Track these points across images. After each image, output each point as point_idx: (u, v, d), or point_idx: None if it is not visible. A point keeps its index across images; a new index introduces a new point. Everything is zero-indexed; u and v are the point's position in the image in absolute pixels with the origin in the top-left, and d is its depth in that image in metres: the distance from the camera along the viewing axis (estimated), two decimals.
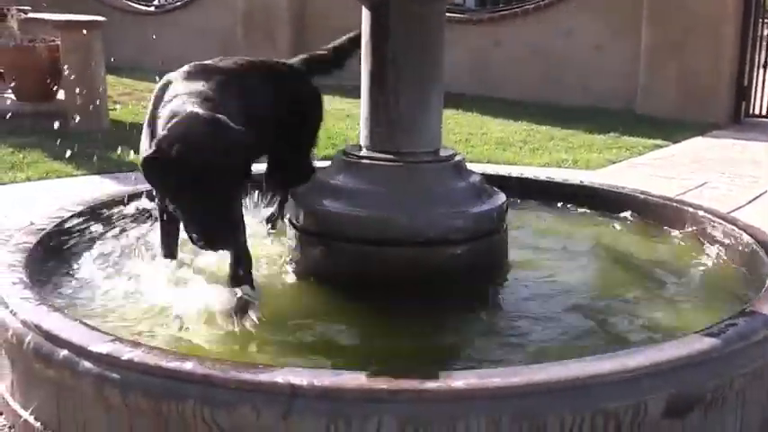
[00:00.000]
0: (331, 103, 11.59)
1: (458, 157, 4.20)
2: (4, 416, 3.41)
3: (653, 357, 2.84)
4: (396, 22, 4.02)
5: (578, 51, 12.41)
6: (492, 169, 6.27)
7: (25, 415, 3.21)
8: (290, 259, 4.15)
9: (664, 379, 2.79)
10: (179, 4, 15.94)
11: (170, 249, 4.10)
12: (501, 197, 4.20)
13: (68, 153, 7.39)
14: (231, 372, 2.73)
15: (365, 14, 4.12)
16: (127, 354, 2.85)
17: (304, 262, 4.08)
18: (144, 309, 3.72)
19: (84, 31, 9.77)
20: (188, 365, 2.77)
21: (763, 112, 11.79)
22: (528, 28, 12.85)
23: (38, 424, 3.16)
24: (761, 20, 11.82)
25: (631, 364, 2.79)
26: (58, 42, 10.03)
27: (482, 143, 9.75)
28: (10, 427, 3.35)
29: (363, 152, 4.13)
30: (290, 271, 4.12)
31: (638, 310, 3.85)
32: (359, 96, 4.17)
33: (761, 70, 11.77)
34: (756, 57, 11.77)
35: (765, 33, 11.97)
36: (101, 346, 2.92)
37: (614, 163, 8.96)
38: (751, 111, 11.87)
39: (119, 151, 8.28)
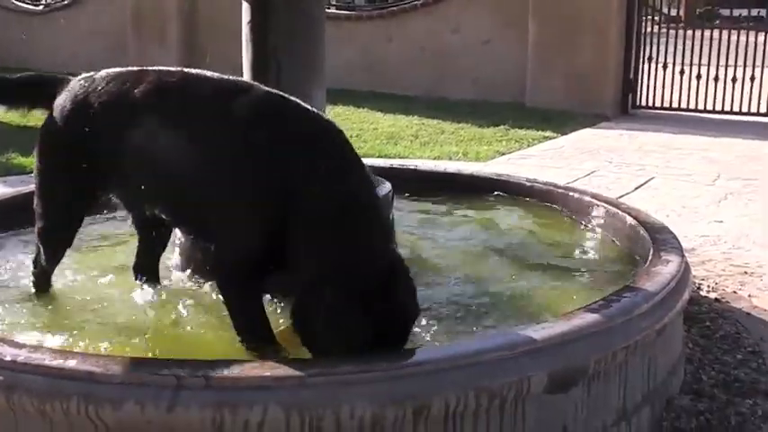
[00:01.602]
0: None
1: None
2: None
3: (535, 334, 2.89)
4: (277, 13, 4.02)
5: (467, 46, 12.53)
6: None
7: None
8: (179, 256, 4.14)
9: (545, 355, 2.83)
10: (66, 2, 15.64)
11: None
12: (386, 186, 4.21)
13: None
14: (115, 367, 2.70)
15: (245, 7, 4.10)
16: (10, 354, 2.80)
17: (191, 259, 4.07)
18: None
19: None
20: (71, 363, 2.72)
21: (650, 104, 12.05)
22: (418, 24, 12.93)
23: None
24: (644, 17, 12.06)
25: (514, 340, 2.84)
26: None
27: (373, 138, 9.79)
28: None
29: None
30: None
31: (526, 290, 3.93)
32: None
33: (646, 63, 12.01)
34: (642, 50, 12.01)
35: (649, 30, 12.20)
36: None
37: (504, 155, 9.08)
38: (638, 102, 12.12)
39: (8, 154, 8.15)
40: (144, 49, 14.39)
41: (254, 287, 3.15)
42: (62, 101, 3.56)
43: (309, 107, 3.27)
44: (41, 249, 3.78)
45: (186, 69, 3.54)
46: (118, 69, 3.57)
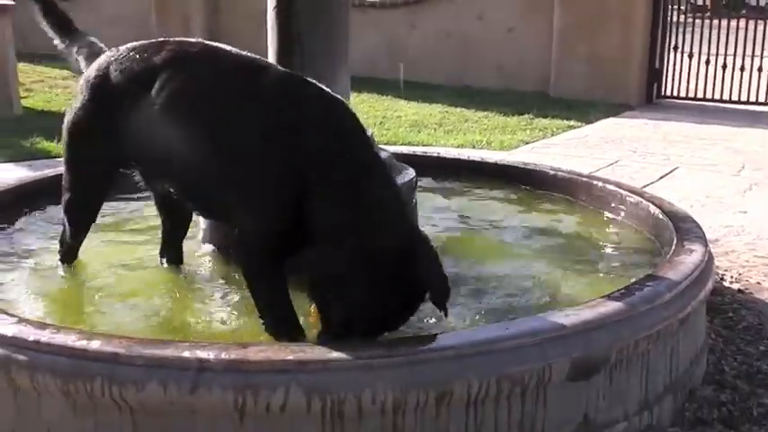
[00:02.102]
0: None
1: None
2: None
3: (557, 322, 2.89)
4: None
5: (492, 34, 12.50)
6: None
7: None
8: (203, 240, 4.17)
9: (568, 343, 2.83)
10: None
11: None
12: (410, 173, 4.22)
13: None
14: (138, 348, 2.71)
15: None
16: (34, 335, 2.82)
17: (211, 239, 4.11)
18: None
19: None
20: (95, 344, 2.74)
21: (675, 94, 11.98)
22: (443, 11, 12.89)
23: None
24: (670, 6, 11.99)
25: (536, 328, 2.84)
26: None
27: (397, 125, 9.78)
28: None
29: None
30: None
31: (550, 278, 3.93)
32: None
33: (672, 53, 11.95)
34: (667, 39, 11.95)
35: (675, 19, 12.13)
36: (7, 327, 2.88)
37: (528, 143, 9.06)
38: (663, 92, 12.06)
39: (32, 139, 8.19)
40: (167, 36, 14.40)
41: (278, 269, 3.12)
42: (89, 71, 3.63)
43: (324, 87, 3.27)
44: (66, 224, 3.82)
45: (207, 42, 3.57)
46: (142, 41, 3.61)
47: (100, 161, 3.62)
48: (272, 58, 4.11)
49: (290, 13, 4.02)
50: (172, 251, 3.97)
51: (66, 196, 3.75)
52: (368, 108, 10.38)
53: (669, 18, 11.99)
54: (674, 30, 12.01)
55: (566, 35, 11.88)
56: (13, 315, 3.05)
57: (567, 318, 2.92)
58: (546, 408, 2.81)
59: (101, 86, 3.54)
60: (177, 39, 3.61)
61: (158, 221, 3.97)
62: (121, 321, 3.42)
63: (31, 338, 2.81)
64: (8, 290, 3.75)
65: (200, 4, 14.36)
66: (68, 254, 3.92)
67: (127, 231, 4.46)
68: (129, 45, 3.60)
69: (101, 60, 3.61)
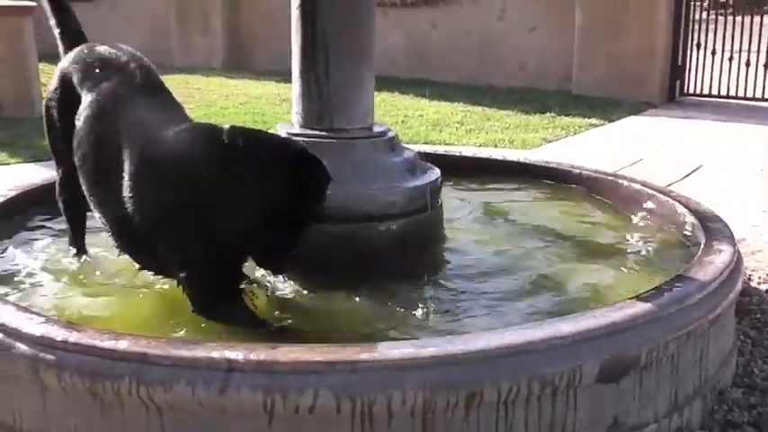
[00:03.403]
0: (266, 88, 11.71)
1: (390, 133, 4.20)
2: None
3: (588, 323, 2.87)
4: None
5: (513, 33, 12.48)
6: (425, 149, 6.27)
7: None
8: None
9: (597, 344, 2.81)
10: None
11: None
12: (435, 172, 4.20)
13: (1, 140, 7.30)
14: (166, 349, 2.71)
15: None
16: (62, 335, 2.82)
17: None
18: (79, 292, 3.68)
19: (15, 16, 9.64)
20: (123, 344, 2.74)
21: (698, 91, 11.93)
22: (464, 10, 12.88)
23: None
24: (693, 3, 11.94)
25: (565, 330, 2.81)
26: None
27: (418, 124, 9.77)
28: None
29: (296, 129, 4.11)
30: None
31: (577, 279, 3.90)
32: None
33: (695, 50, 11.89)
34: (690, 37, 11.89)
35: (698, 16, 12.07)
36: (35, 327, 2.88)
37: (550, 142, 9.04)
38: (686, 90, 12.00)
39: None
40: (187, 36, 14.46)
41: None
42: (62, 62, 3.87)
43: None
44: (61, 211, 4.01)
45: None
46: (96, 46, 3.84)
47: (66, 150, 3.76)
48: (295, 58, 4.10)
49: (314, 13, 4.00)
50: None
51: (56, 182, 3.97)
52: (389, 107, 10.37)
53: (692, 15, 11.94)
54: (696, 27, 11.96)
55: (588, 33, 11.85)
56: (40, 315, 3.05)
57: (597, 319, 2.90)
58: (576, 409, 2.79)
59: (63, 80, 3.79)
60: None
61: None
62: (147, 318, 3.42)
63: (59, 338, 2.81)
64: (37, 289, 3.76)
65: (220, 3, 14.36)
66: (74, 243, 4.03)
67: None
68: (91, 49, 3.82)
69: (70, 55, 3.83)
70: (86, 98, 3.60)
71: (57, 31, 4.06)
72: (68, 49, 3.94)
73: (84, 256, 4.02)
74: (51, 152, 3.98)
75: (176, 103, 3.68)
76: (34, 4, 9.92)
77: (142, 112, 3.46)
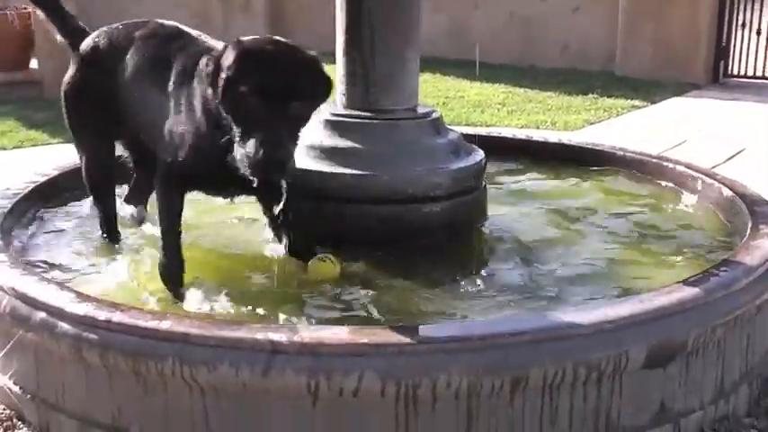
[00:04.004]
0: None
1: (435, 114, 4.17)
2: None
3: (634, 308, 2.84)
4: None
5: (556, 13, 12.36)
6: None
7: (3, 380, 3.19)
8: None
9: (644, 329, 2.79)
10: None
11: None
12: (479, 154, 4.17)
13: (44, 121, 7.33)
14: (210, 329, 2.71)
15: None
16: (105, 314, 2.83)
17: (287, 222, 4.02)
18: (121, 273, 3.68)
19: None
20: (166, 324, 2.75)
21: (742, 72, 11.77)
22: None
23: (16, 388, 3.14)
24: None
25: (613, 314, 2.79)
26: (30, 10, 9.90)
27: (460, 106, 9.72)
28: None
29: (340, 110, 4.09)
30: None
31: (623, 262, 3.87)
32: (335, 62, 4.12)
33: (740, 30, 11.74)
34: (735, 16, 11.74)
35: None
36: (78, 307, 2.90)
37: (593, 124, 8.96)
38: (729, 71, 11.85)
39: None
40: (229, 18, 14.45)
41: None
42: (83, 44, 4.00)
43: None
44: (89, 192, 4.09)
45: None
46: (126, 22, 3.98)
47: (95, 122, 3.95)
48: (339, 37, 4.07)
49: None
50: (135, 200, 4.27)
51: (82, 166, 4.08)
52: (431, 88, 10.32)
53: None
54: (741, 6, 11.79)
55: (631, 14, 11.71)
56: (84, 294, 3.06)
57: (643, 303, 2.88)
58: (622, 395, 2.77)
59: (89, 56, 3.95)
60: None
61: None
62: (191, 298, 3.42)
63: (102, 318, 2.82)
64: (83, 267, 3.79)
65: None
66: (108, 229, 4.07)
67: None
68: (115, 25, 3.98)
69: (92, 35, 3.99)
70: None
71: (59, 36, 4.16)
72: (74, 46, 4.06)
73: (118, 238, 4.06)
74: (75, 134, 4.07)
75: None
76: None
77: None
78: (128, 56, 3.79)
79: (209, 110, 3.29)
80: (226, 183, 3.40)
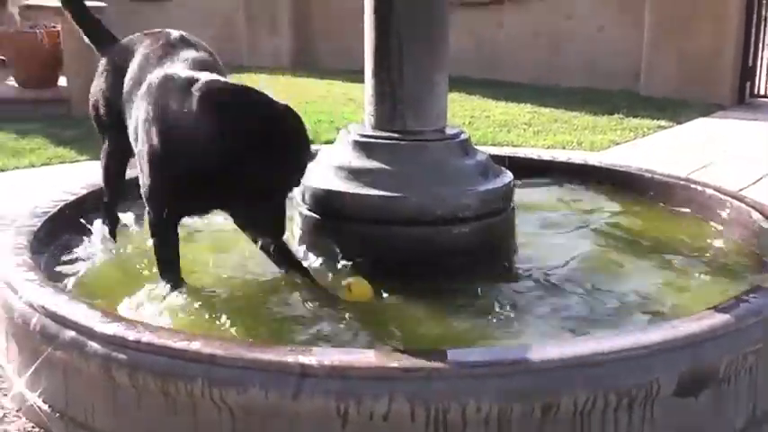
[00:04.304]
0: (333, 88, 11.73)
1: (463, 136, 4.17)
2: (11, 399, 3.39)
3: (665, 334, 2.82)
4: None
5: (581, 32, 12.36)
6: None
7: (32, 398, 3.20)
8: (299, 242, 4.10)
9: (676, 356, 2.77)
10: None
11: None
12: (508, 175, 4.16)
13: (72, 138, 7.36)
14: (239, 351, 2.71)
15: None
16: (134, 334, 2.84)
17: (313, 244, 4.04)
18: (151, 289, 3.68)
19: None
20: (195, 345, 2.75)
21: None
22: (531, 10, 12.78)
23: (45, 406, 3.15)
24: (765, 2, 11.73)
25: (644, 340, 2.78)
26: (59, 28, 9.99)
27: (485, 125, 9.70)
28: (17, 410, 3.33)
29: (368, 131, 4.10)
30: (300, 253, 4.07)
31: (650, 288, 3.83)
32: (361, 81, 4.12)
33: (766, 51, 11.70)
34: (761, 37, 11.70)
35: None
36: (108, 326, 2.91)
37: (618, 144, 8.93)
38: (756, 91, 11.80)
39: None
40: (256, 36, 14.53)
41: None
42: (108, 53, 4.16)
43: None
44: (104, 184, 4.28)
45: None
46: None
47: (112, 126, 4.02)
48: (368, 57, 4.07)
49: (389, 13, 3.97)
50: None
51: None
52: (457, 108, 10.31)
53: (763, 15, 11.73)
54: (767, 27, 11.75)
55: (657, 33, 11.69)
56: (114, 314, 3.08)
57: (675, 330, 2.86)
58: (653, 423, 2.74)
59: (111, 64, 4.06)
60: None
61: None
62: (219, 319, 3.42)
63: (132, 338, 2.82)
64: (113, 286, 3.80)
65: (288, 2, 14.39)
66: (109, 217, 4.25)
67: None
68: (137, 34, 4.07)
69: (115, 45, 4.13)
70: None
71: (87, 41, 4.31)
72: (103, 52, 4.21)
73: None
74: (100, 129, 4.24)
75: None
76: (104, 4, 10.06)
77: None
78: (132, 63, 3.87)
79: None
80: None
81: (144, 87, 3.62)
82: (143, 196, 3.60)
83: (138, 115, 3.62)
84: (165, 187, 3.49)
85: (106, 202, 4.28)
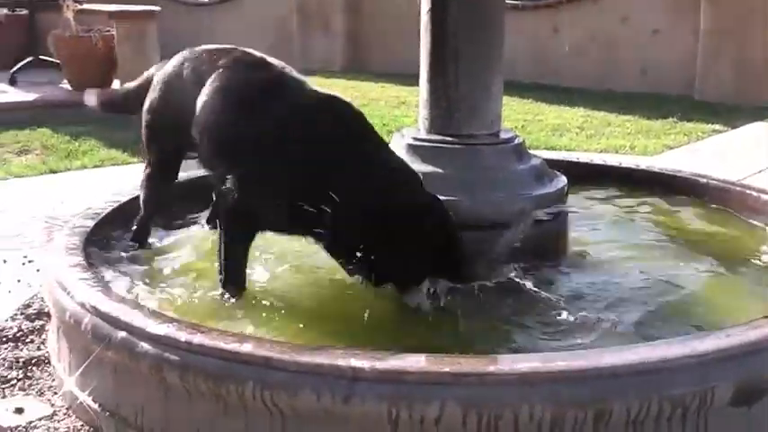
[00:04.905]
0: (385, 91, 11.73)
1: (518, 140, 4.15)
2: (61, 397, 3.42)
3: (722, 342, 2.78)
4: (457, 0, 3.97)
5: (636, 36, 12.25)
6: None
7: (83, 396, 3.22)
8: None
9: (733, 365, 2.72)
10: None
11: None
12: (562, 180, 4.14)
13: (123, 140, 7.41)
14: (291, 354, 2.71)
15: None
16: (185, 335, 2.84)
17: None
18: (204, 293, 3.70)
19: (139, 21, 9.85)
20: (247, 347, 2.76)
21: None
22: (586, 13, 12.70)
23: (95, 405, 3.17)
24: None
25: (700, 348, 2.73)
26: (113, 32, 10.10)
27: (538, 129, 9.65)
28: (67, 408, 3.36)
29: (422, 135, 4.09)
30: None
31: (706, 294, 3.78)
32: (412, 84, 4.11)
33: None
34: None
35: None
36: (159, 327, 2.92)
37: (672, 149, 8.85)
38: None
39: None
40: (309, 40, 14.55)
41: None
42: (165, 68, 4.18)
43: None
44: (141, 198, 4.28)
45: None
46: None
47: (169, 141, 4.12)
48: (423, 61, 4.07)
49: (444, 16, 3.96)
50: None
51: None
52: (510, 111, 10.26)
53: None
54: None
55: (712, 37, 11.57)
56: (165, 315, 3.09)
57: (731, 338, 2.81)
58: None
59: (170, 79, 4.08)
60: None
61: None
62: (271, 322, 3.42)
63: (183, 339, 2.83)
64: (165, 287, 3.82)
65: (341, 6, 14.39)
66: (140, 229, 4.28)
67: None
68: (195, 49, 4.11)
69: (173, 60, 4.13)
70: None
71: None
72: None
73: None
74: (148, 147, 4.29)
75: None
76: (158, 8, 10.16)
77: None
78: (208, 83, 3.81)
79: None
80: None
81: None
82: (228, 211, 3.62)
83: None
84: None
85: (144, 217, 4.28)
